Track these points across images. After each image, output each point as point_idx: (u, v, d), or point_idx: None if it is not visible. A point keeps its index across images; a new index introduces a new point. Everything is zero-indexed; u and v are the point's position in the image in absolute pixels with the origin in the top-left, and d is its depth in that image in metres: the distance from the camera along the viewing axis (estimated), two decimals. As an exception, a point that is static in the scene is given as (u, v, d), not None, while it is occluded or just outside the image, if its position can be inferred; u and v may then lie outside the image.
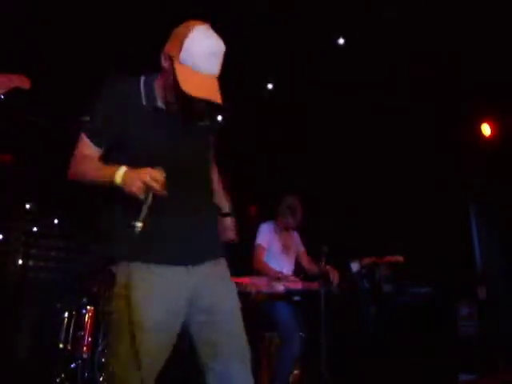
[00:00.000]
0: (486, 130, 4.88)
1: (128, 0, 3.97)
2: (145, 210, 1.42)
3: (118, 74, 1.68)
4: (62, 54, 4.34)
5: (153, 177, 1.42)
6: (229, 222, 1.97)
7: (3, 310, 5.37)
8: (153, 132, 1.63)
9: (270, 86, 5.07)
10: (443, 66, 4.36)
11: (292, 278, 3.79)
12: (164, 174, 1.45)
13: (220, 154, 1.97)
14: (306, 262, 4.04)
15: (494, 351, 4.23)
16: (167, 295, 1.56)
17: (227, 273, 1.74)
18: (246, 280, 3.61)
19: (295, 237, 4.11)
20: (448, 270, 4.55)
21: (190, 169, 1.67)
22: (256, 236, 3.92)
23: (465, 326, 4.56)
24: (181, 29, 1.57)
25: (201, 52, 1.51)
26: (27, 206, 6.30)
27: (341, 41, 4.47)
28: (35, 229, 6.34)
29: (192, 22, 1.56)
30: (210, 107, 1.62)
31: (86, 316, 4.16)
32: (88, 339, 4.07)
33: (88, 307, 4.20)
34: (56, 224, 6.48)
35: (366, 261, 4.09)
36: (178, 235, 1.61)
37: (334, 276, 3.59)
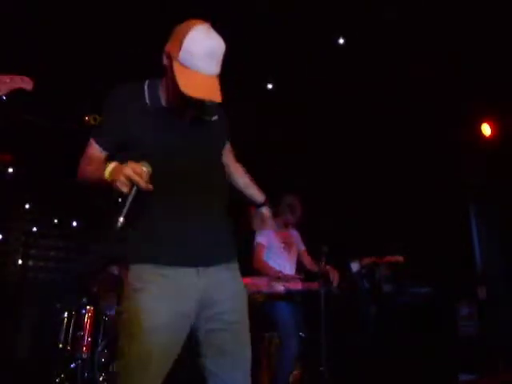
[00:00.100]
0: (486, 130, 4.88)
1: (128, 0, 3.97)
2: (127, 204, 1.39)
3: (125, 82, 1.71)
4: (62, 54, 4.34)
5: (135, 170, 1.39)
6: (264, 211, 1.98)
7: (3, 310, 5.37)
8: (157, 131, 1.63)
9: (269, 86, 5.07)
10: (443, 66, 4.36)
11: (292, 277, 3.79)
12: (149, 168, 1.42)
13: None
14: (307, 260, 4.03)
15: (494, 351, 4.23)
16: (176, 297, 1.56)
17: (239, 277, 1.72)
18: (246, 280, 3.60)
19: (295, 235, 4.11)
20: (448, 270, 4.55)
21: (198, 168, 1.65)
22: (255, 236, 3.92)
23: (465, 325, 4.56)
24: (181, 28, 1.57)
25: (200, 52, 1.50)
26: (27, 206, 6.31)
27: (341, 41, 4.48)
28: (35, 229, 6.35)
29: (193, 21, 1.56)
30: (212, 105, 1.60)
31: (86, 316, 4.16)
32: (88, 339, 4.07)
33: (88, 307, 4.20)
34: (56, 224, 6.49)
35: (366, 261, 4.09)
36: (186, 236, 1.60)
37: (334, 276, 3.59)
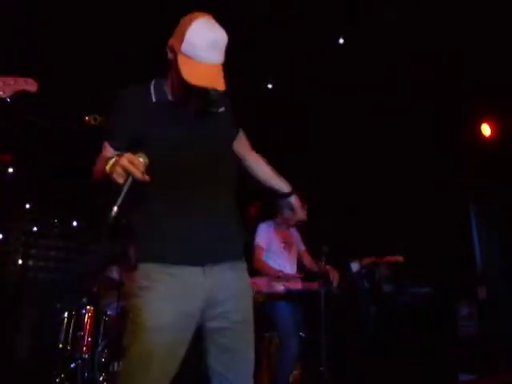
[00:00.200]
0: (486, 130, 4.88)
1: (128, 0, 3.98)
2: (122, 194, 1.39)
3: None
4: (62, 54, 4.34)
5: (131, 161, 1.39)
6: (293, 201, 1.95)
7: (3, 310, 5.37)
8: (162, 126, 1.63)
9: (269, 86, 5.07)
10: (443, 66, 4.36)
11: (292, 276, 3.79)
12: (146, 159, 1.42)
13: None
14: (307, 260, 4.03)
15: (494, 351, 4.23)
16: (182, 296, 1.55)
17: (245, 278, 1.71)
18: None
19: (296, 235, 4.11)
20: (448, 270, 4.55)
21: (204, 161, 1.64)
22: (255, 236, 3.92)
23: (465, 325, 4.56)
24: (184, 21, 1.60)
25: (202, 43, 1.52)
26: (27, 206, 6.30)
27: (341, 41, 4.48)
28: (35, 229, 6.34)
29: (195, 14, 1.59)
30: (216, 94, 1.59)
31: (86, 316, 4.16)
32: (88, 339, 4.08)
33: (88, 307, 4.20)
34: (56, 224, 6.48)
35: (366, 261, 4.09)
36: (190, 232, 1.59)
37: (334, 276, 3.59)
